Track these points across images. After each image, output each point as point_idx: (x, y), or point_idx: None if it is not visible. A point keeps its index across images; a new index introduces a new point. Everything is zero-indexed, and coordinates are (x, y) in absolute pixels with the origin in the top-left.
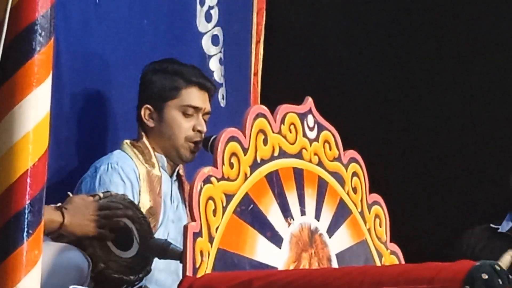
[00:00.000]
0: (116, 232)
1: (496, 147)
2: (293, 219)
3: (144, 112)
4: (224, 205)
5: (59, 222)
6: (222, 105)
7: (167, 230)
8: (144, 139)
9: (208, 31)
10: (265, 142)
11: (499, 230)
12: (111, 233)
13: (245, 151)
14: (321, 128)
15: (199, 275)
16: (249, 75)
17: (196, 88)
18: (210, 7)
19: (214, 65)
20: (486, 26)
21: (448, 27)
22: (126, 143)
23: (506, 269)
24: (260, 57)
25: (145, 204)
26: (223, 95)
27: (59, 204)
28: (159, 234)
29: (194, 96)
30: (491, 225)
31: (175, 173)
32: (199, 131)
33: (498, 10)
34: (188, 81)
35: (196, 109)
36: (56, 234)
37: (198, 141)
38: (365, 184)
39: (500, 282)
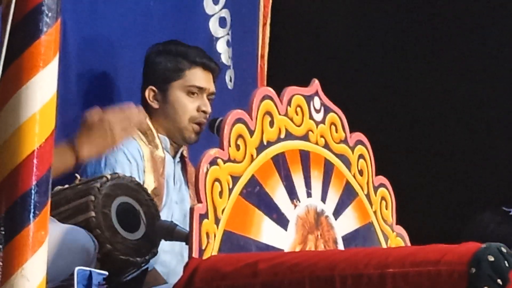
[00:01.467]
0: (124, 214)
1: (507, 127)
2: (299, 201)
3: (149, 94)
4: (230, 187)
5: (73, 159)
6: (229, 87)
7: (171, 211)
8: (148, 121)
9: (215, 13)
10: (271, 124)
11: (511, 213)
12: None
13: (251, 133)
14: (327, 110)
15: (205, 256)
16: (256, 57)
17: (200, 69)
18: None
19: (222, 47)
20: (499, 15)
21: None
22: None
23: None
24: (267, 39)
25: (149, 185)
26: (230, 77)
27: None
28: (162, 216)
29: (199, 77)
30: (503, 208)
31: (178, 155)
32: (204, 112)
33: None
34: (192, 61)
35: (201, 89)
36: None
37: (203, 121)
38: (371, 166)
39: (507, 264)
